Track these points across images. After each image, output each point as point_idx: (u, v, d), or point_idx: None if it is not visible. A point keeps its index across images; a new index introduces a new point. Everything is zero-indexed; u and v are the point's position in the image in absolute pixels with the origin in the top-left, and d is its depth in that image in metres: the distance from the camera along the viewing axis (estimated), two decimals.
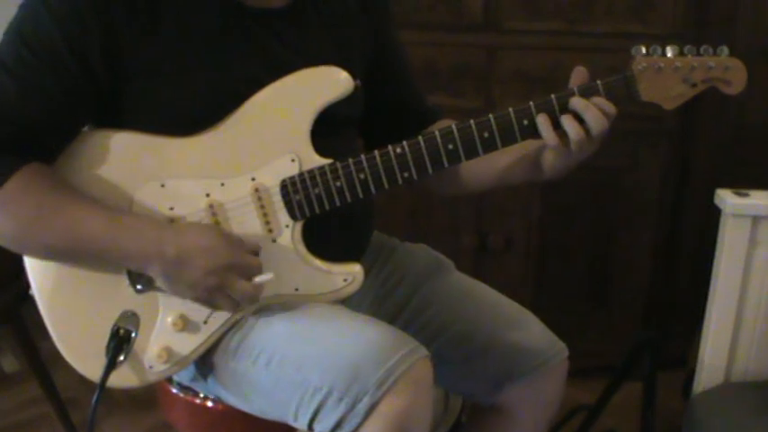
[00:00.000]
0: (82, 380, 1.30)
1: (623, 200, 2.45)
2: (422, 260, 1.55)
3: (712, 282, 1.89)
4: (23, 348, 2.27)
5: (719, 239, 1.86)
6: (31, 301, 2.11)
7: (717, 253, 1.87)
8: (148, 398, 2.49)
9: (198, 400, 1.47)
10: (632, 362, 2.10)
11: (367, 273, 1.47)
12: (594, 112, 1.26)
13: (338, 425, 1.18)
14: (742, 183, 1.89)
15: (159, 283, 1.24)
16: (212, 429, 1.50)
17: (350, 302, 1.38)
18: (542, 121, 1.28)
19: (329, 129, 1.32)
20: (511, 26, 2.31)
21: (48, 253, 1.26)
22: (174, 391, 1.50)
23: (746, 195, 1.84)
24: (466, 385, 1.50)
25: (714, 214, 1.90)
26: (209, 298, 1.22)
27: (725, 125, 2.38)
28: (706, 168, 2.49)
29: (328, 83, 1.30)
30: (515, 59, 2.31)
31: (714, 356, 1.89)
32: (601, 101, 1.27)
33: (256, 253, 1.26)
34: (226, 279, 1.20)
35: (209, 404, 1.46)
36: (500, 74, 2.32)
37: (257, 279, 1.24)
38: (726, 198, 1.82)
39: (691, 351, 2.25)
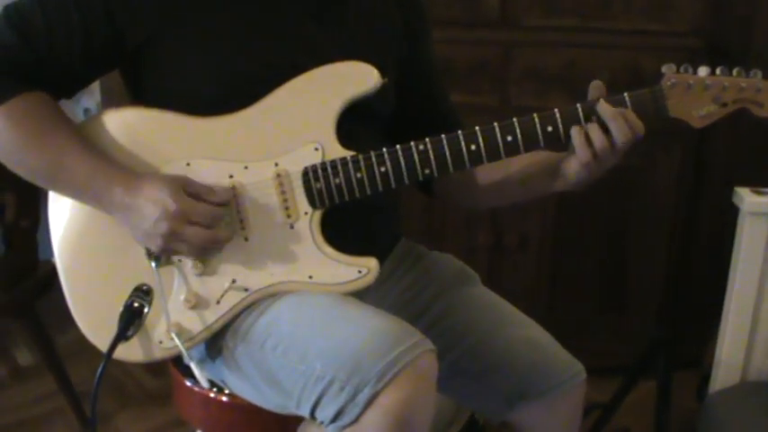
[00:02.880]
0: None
1: (639, 199, 2.44)
2: (448, 269, 1.55)
3: (729, 280, 1.88)
4: (39, 342, 2.30)
5: (737, 238, 1.86)
6: (46, 295, 2.15)
7: (734, 251, 1.87)
8: (162, 392, 2.52)
9: (212, 395, 1.47)
10: (647, 361, 2.10)
11: (390, 276, 1.50)
12: (621, 123, 1.25)
13: (338, 414, 1.18)
14: (758, 182, 1.89)
15: (127, 229, 1.28)
16: (226, 425, 1.50)
17: (370, 302, 1.35)
18: (576, 134, 1.28)
19: (358, 121, 1.34)
20: (527, 23, 2.31)
21: (31, 174, 1.31)
22: (189, 385, 1.50)
23: (765, 194, 1.83)
24: (478, 400, 1.49)
25: (729, 214, 1.89)
26: (168, 245, 1.26)
27: (741, 123, 2.36)
28: (722, 167, 2.47)
29: (357, 78, 1.32)
30: (532, 56, 2.31)
31: (731, 356, 1.88)
32: (629, 113, 1.27)
33: (222, 204, 1.29)
34: (175, 226, 1.23)
35: (224, 399, 1.46)
36: (516, 71, 2.32)
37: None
38: (744, 196, 1.82)
39: (706, 351, 2.24)
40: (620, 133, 1.25)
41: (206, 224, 1.25)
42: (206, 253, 1.30)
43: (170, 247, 1.26)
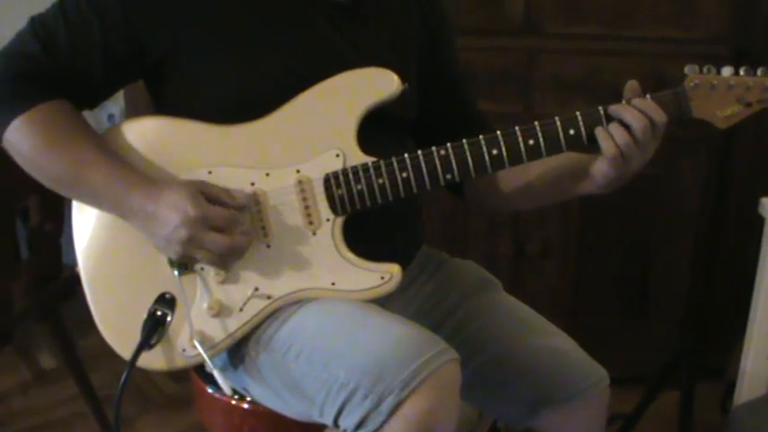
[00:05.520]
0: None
1: (663, 208, 2.42)
2: (470, 276, 1.55)
3: (755, 290, 1.86)
4: (61, 346, 2.31)
5: (763, 248, 1.84)
6: (69, 299, 2.15)
7: (760, 262, 1.85)
8: (183, 397, 2.52)
9: (234, 403, 1.47)
10: (670, 372, 2.08)
11: (412, 283, 1.50)
12: (631, 111, 1.25)
13: (362, 422, 1.18)
14: None
15: (146, 236, 1.28)
16: None
17: (392, 310, 1.36)
18: (601, 132, 1.27)
19: (380, 127, 1.34)
20: (551, 30, 2.30)
21: (51, 180, 1.31)
22: (211, 392, 1.50)
23: None
24: (501, 407, 1.49)
25: (754, 223, 1.87)
26: (187, 252, 1.25)
27: (767, 132, 2.34)
28: (747, 176, 2.45)
29: (378, 84, 1.32)
30: (555, 64, 2.29)
31: (756, 366, 1.86)
32: (641, 102, 1.26)
33: (241, 207, 1.29)
34: (195, 231, 1.22)
35: (246, 406, 1.46)
36: (540, 78, 2.30)
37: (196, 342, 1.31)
38: None
39: (730, 362, 2.22)
40: (634, 120, 1.24)
41: (226, 229, 1.24)
42: (225, 261, 1.29)
43: (189, 254, 1.25)
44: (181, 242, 1.23)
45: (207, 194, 1.25)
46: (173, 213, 1.22)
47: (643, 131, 1.24)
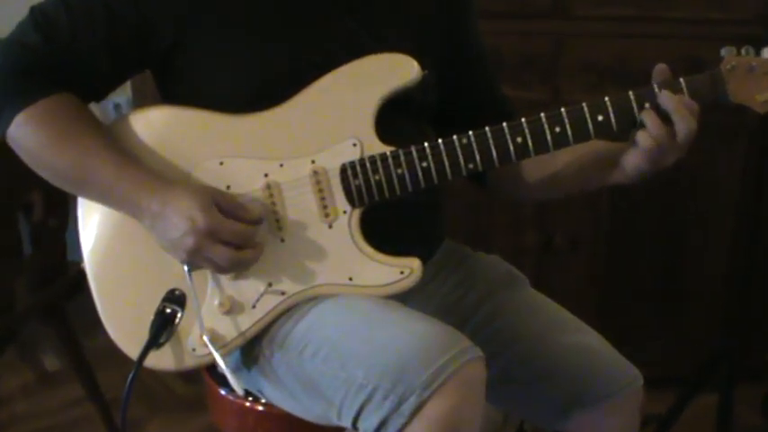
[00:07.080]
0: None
1: (698, 199, 2.39)
2: (495, 271, 1.52)
3: None
4: (67, 347, 2.30)
5: None
6: (75, 300, 2.11)
7: None
8: (195, 399, 2.51)
9: (248, 404, 1.45)
10: (708, 372, 2.06)
11: (434, 278, 1.47)
12: (684, 113, 1.22)
13: (382, 424, 1.16)
14: None
15: (153, 236, 1.27)
16: None
17: (413, 306, 1.34)
18: (649, 118, 1.24)
19: (399, 115, 1.32)
20: (580, 13, 2.26)
21: (57, 177, 1.30)
22: (223, 393, 1.48)
23: None
24: (530, 408, 1.46)
25: None
26: (192, 260, 1.24)
27: None
28: None
29: (396, 70, 1.30)
30: (584, 48, 2.26)
31: None
32: (686, 99, 1.24)
33: (257, 222, 1.26)
34: (202, 243, 1.20)
35: (260, 408, 1.44)
36: (567, 64, 2.27)
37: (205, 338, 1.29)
38: None
39: None
40: (683, 124, 1.22)
41: (235, 244, 1.22)
42: (230, 272, 1.28)
43: (194, 262, 1.24)
44: (186, 251, 1.22)
45: (221, 206, 1.23)
46: (182, 220, 1.20)
47: (687, 136, 1.22)
